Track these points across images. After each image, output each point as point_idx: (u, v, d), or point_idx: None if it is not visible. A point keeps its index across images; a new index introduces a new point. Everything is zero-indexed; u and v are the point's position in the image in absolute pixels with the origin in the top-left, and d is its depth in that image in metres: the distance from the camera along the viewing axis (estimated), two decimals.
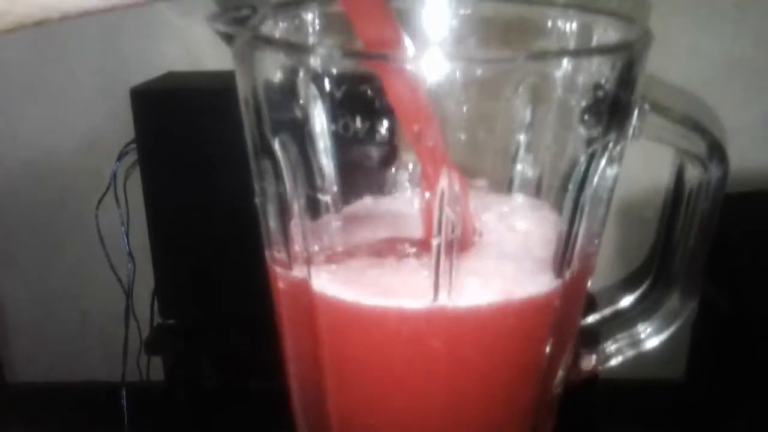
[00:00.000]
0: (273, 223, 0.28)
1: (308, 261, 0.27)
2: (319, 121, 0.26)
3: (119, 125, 1.17)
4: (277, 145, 0.26)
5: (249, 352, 1.19)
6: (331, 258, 0.27)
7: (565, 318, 0.29)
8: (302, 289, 0.27)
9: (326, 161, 0.27)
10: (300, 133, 0.27)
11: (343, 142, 0.26)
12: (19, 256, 1.40)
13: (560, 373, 0.32)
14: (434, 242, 0.25)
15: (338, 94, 0.26)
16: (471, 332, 0.26)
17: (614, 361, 0.34)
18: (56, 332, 1.45)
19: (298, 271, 0.27)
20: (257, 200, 0.29)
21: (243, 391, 1.35)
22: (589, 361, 0.34)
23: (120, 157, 1.17)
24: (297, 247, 0.27)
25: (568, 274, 0.27)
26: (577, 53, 0.25)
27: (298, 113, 0.26)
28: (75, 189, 1.30)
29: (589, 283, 0.31)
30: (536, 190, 0.30)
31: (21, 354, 1.48)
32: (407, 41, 0.25)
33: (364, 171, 0.29)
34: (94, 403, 1.43)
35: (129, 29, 1.22)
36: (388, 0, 0.26)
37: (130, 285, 1.25)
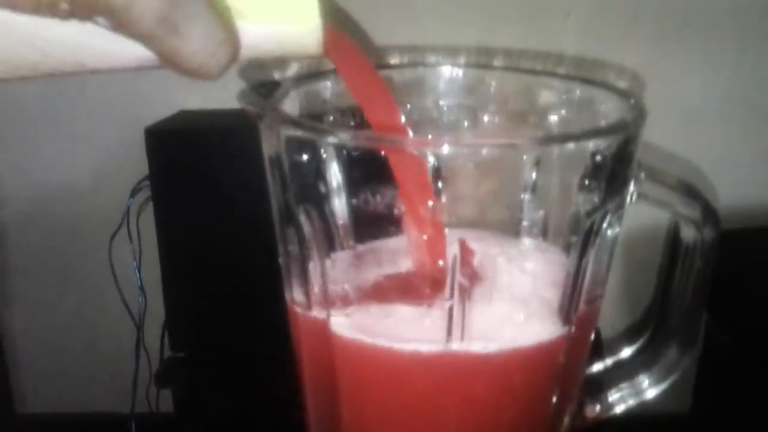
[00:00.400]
0: (293, 267, 0.30)
1: (326, 304, 0.29)
2: (338, 191, 0.29)
3: (133, 162, 1.20)
4: (301, 213, 0.28)
5: (259, 386, 1.20)
6: (349, 301, 0.29)
7: (571, 363, 0.31)
8: (321, 329, 0.29)
9: (343, 221, 0.30)
10: (321, 200, 0.29)
11: (359, 209, 0.28)
12: (30, 289, 1.42)
13: (566, 420, 0.34)
14: (446, 305, 0.27)
15: (355, 168, 0.28)
16: (481, 376, 0.28)
17: (617, 410, 0.35)
18: (65, 364, 1.46)
19: (317, 312, 0.29)
20: (281, 260, 0.31)
21: (252, 425, 1.36)
22: (593, 409, 0.35)
23: (133, 194, 1.20)
24: (316, 289, 0.29)
25: (574, 320, 0.29)
26: (577, 137, 0.27)
27: (321, 183, 0.29)
28: (89, 224, 1.33)
29: (592, 336, 0.33)
30: (543, 235, 0.32)
31: (30, 384, 1.50)
32: (411, 122, 0.28)
33: (379, 223, 0.31)
34: None
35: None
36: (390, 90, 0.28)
37: (141, 318, 1.27)
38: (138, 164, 1.15)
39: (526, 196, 0.31)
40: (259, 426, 1.36)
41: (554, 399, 0.31)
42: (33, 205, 1.36)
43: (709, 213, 0.32)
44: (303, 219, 0.28)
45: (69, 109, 1.30)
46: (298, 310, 0.31)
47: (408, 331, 0.28)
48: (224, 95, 1.30)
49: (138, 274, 1.24)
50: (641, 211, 0.33)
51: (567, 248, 0.29)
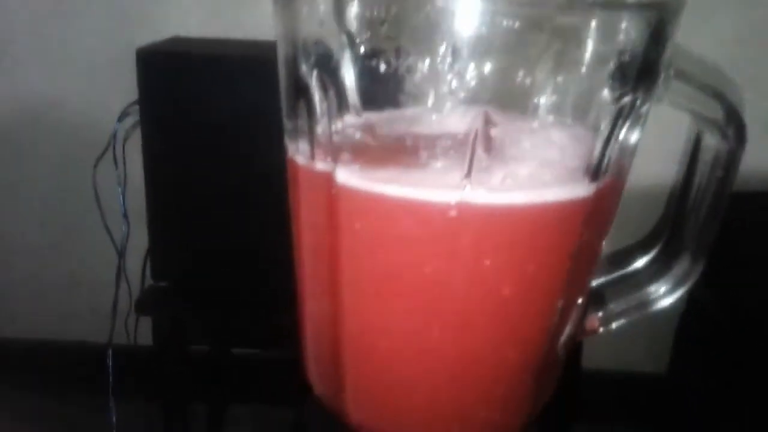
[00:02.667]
0: (301, 129, 0.29)
1: (333, 151, 0.27)
2: (355, 55, 0.27)
3: (122, 85, 1.17)
4: (313, 81, 0.27)
5: (240, 319, 1.20)
6: (358, 148, 0.27)
7: (590, 241, 0.29)
8: (325, 182, 0.27)
9: (359, 88, 0.28)
10: (336, 66, 0.27)
11: (377, 74, 0.26)
12: (11, 215, 1.39)
13: (568, 329, 0.33)
14: (467, 154, 0.25)
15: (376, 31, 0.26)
16: (498, 232, 0.26)
17: (618, 323, 0.34)
18: (44, 290, 1.45)
19: (321, 163, 0.28)
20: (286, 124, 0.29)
21: (231, 357, 1.36)
22: (594, 320, 0.35)
23: (121, 118, 1.17)
24: (322, 137, 0.27)
25: (601, 182, 0.27)
26: (609, 5, 0.25)
27: (332, 52, 0.27)
28: (74, 148, 1.30)
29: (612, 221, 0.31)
30: (570, 115, 0.30)
31: (7, 310, 1.48)
32: None
33: (396, 91, 0.29)
34: (79, 363, 1.44)
35: None
36: None
37: (123, 246, 1.25)
38: (127, 88, 1.11)
39: (552, 75, 0.29)
40: (237, 358, 1.36)
41: (566, 285, 0.29)
42: (16, 127, 1.32)
43: (735, 122, 0.30)
44: (315, 86, 0.27)
45: (58, 30, 1.26)
46: (301, 161, 0.29)
47: (422, 179, 0.26)
48: (219, 24, 1.27)
49: (122, 201, 1.22)
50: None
51: (593, 129, 0.27)
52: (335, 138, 0.27)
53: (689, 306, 1.24)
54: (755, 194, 1.12)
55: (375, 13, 0.27)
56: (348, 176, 0.27)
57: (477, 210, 0.26)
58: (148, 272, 1.18)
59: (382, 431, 0.33)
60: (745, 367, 1.10)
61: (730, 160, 0.31)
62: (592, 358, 1.22)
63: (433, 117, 0.28)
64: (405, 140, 0.29)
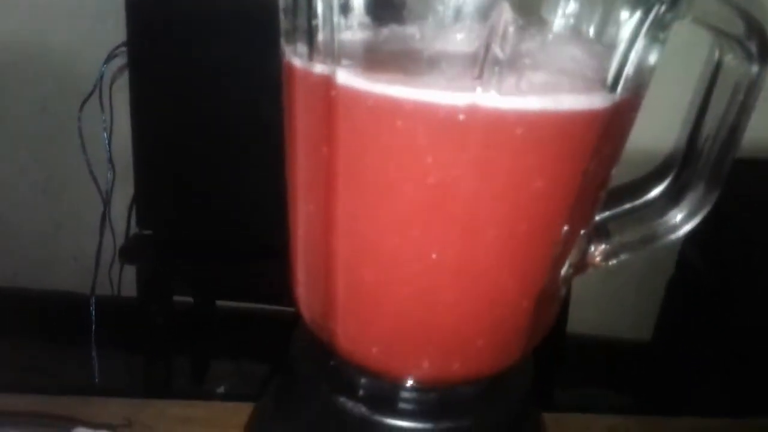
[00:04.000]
0: (299, 28, 0.26)
1: (335, 52, 0.25)
2: None
3: (110, 26, 1.13)
4: None
5: (225, 269, 1.18)
6: (361, 50, 0.25)
7: (603, 156, 0.27)
8: (323, 85, 0.25)
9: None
10: None
11: None
12: None
13: (570, 259, 0.31)
14: (480, 57, 0.23)
15: None
16: (509, 141, 0.24)
17: (623, 256, 0.33)
18: (27, 237, 1.42)
19: (320, 66, 0.26)
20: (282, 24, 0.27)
21: (213, 310, 1.35)
22: (596, 254, 0.33)
23: (108, 60, 1.13)
24: (323, 36, 0.25)
25: (619, 95, 0.25)
26: None
27: None
28: (58, 90, 1.26)
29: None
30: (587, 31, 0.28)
31: None
32: None
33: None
34: (61, 312, 1.42)
35: None
36: None
37: (108, 193, 1.22)
38: (115, 28, 1.08)
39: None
40: (222, 311, 1.35)
41: (572, 208, 0.27)
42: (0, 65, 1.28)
43: (759, 39, 0.29)
44: None
45: None
46: (298, 64, 0.27)
47: (430, 82, 0.24)
48: None
49: (108, 147, 1.19)
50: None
51: (612, 46, 0.25)
52: (337, 36, 0.25)
53: (676, 274, 1.24)
54: (748, 160, 1.11)
55: None
56: (349, 77, 0.25)
57: (488, 114, 0.24)
58: (133, 220, 1.16)
59: (373, 362, 0.31)
60: (730, 334, 1.11)
61: (753, 83, 0.29)
62: (577, 324, 1.22)
63: (444, 30, 0.27)
64: (413, 46, 0.27)
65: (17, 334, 1.42)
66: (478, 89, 0.24)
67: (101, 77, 1.15)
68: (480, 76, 0.23)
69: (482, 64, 0.23)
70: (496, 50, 0.23)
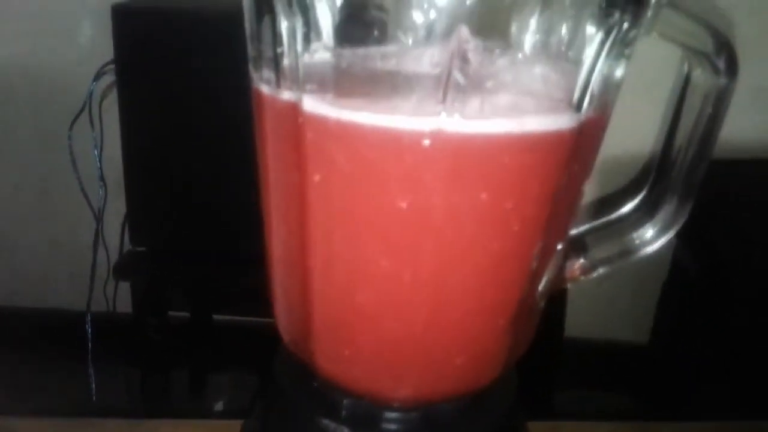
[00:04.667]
0: (265, 55, 0.27)
1: (300, 78, 0.25)
2: None
3: (98, 44, 1.13)
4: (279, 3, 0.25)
5: (219, 283, 1.18)
6: (327, 75, 0.25)
7: (573, 175, 0.27)
8: (291, 112, 0.25)
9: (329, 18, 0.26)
10: None
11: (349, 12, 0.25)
12: None
13: (547, 276, 0.31)
14: (442, 80, 0.23)
15: None
16: (475, 165, 0.24)
17: (601, 271, 0.33)
18: (22, 256, 1.42)
19: (287, 92, 0.26)
20: (250, 50, 0.27)
21: (209, 324, 1.35)
22: (575, 269, 0.33)
23: (97, 77, 1.14)
24: (288, 62, 0.25)
25: (584, 114, 0.25)
26: None
27: None
28: (49, 109, 1.26)
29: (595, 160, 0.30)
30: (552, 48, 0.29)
31: None
32: None
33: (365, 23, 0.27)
34: (58, 330, 1.42)
35: None
36: None
37: (100, 210, 1.22)
38: (103, 46, 1.08)
39: (536, 4, 0.28)
40: (217, 324, 1.35)
41: (545, 227, 0.27)
42: None
43: (727, 54, 0.29)
44: (280, 8, 0.25)
45: None
46: (265, 90, 0.27)
47: (395, 107, 0.24)
48: None
49: (99, 164, 1.19)
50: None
51: (577, 63, 0.25)
52: (302, 63, 0.26)
53: (672, 275, 1.24)
54: (738, 162, 1.11)
55: None
56: (316, 104, 0.25)
57: (453, 139, 0.24)
58: (126, 237, 1.16)
59: (353, 382, 0.31)
60: (727, 336, 1.11)
61: (721, 97, 0.29)
62: (575, 327, 1.22)
63: (409, 51, 0.27)
64: (378, 69, 0.27)
65: (14, 352, 1.41)
66: (442, 114, 0.24)
67: (90, 95, 1.15)
68: (443, 101, 0.24)
69: (445, 89, 0.23)
70: (457, 75, 0.23)
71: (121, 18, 1.02)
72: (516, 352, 0.32)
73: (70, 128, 1.18)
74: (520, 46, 0.26)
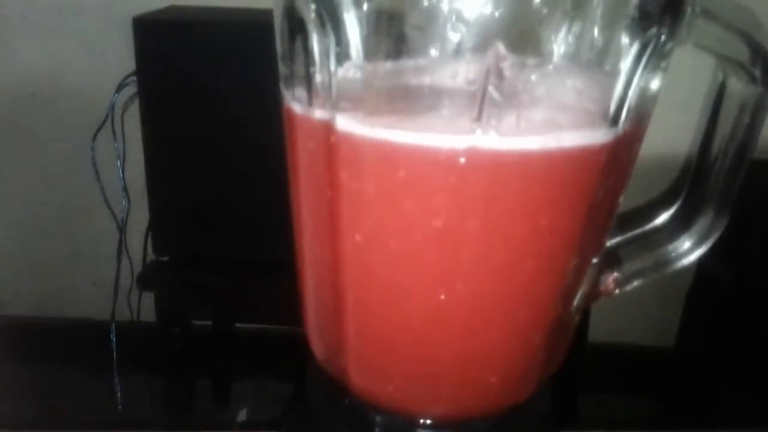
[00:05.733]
0: (297, 74, 0.27)
1: (333, 97, 0.25)
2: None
3: (119, 56, 1.15)
4: (311, 15, 0.25)
5: (241, 293, 1.18)
6: (360, 93, 0.25)
7: (609, 188, 0.27)
8: (324, 131, 0.25)
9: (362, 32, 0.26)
10: (335, 5, 0.25)
11: (379, 15, 0.24)
12: (10, 187, 1.38)
13: (582, 290, 0.31)
14: (477, 97, 0.23)
15: None
16: (511, 181, 0.24)
17: (635, 284, 0.33)
18: (47, 266, 1.43)
19: (319, 111, 0.26)
20: (281, 68, 0.27)
21: (233, 332, 1.35)
22: (609, 282, 0.33)
23: (119, 89, 1.15)
24: (321, 81, 0.25)
25: (621, 127, 0.25)
26: None
27: None
28: (71, 121, 1.28)
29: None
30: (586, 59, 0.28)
31: (9, 286, 1.47)
32: None
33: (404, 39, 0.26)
34: (83, 340, 1.43)
35: None
36: None
37: (123, 220, 1.23)
38: (125, 58, 1.09)
39: (569, 15, 0.27)
40: (241, 332, 1.35)
41: (581, 241, 0.27)
42: (12, 102, 1.30)
43: (763, 63, 0.28)
44: (312, 21, 0.25)
45: (52, 1, 1.23)
46: (298, 110, 0.27)
47: (429, 125, 0.24)
48: None
49: (122, 175, 1.20)
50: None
51: (612, 74, 0.25)
52: (335, 81, 0.25)
53: (697, 279, 1.22)
54: (764, 162, 1.09)
55: None
56: (349, 123, 0.25)
57: (488, 156, 0.24)
58: (149, 247, 1.17)
59: (387, 399, 0.31)
60: (753, 340, 1.09)
61: (757, 106, 0.29)
62: (599, 332, 1.21)
63: (443, 63, 0.26)
64: (411, 85, 0.27)
65: (40, 363, 1.43)
66: (478, 131, 0.23)
67: (113, 106, 1.16)
68: (479, 118, 0.23)
69: (480, 106, 0.23)
70: (493, 92, 0.23)
71: (142, 30, 1.03)
72: (550, 368, 0.31)
73: (93, 140, 1.19)
74: (553, 58, 0.26)
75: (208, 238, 1.12)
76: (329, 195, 0.27)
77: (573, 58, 0.26)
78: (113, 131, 1.18)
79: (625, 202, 0.34)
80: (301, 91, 0.27)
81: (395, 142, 0.24)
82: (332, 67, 0.25)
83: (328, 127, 0.25)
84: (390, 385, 0.30)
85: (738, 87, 0.29)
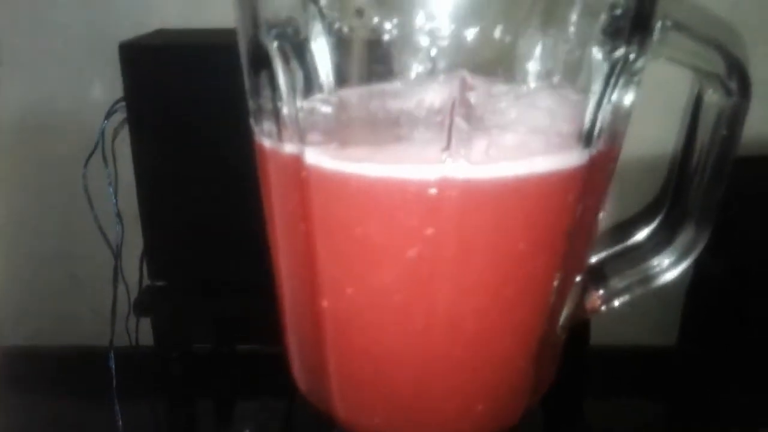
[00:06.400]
0: (265, 109, 0.26)
1: (301, 131, 0.25)
2: (322, 38, 0.24)
3: (107, 82, 1.14)
4: (275, 54, 0.24)
5: (239, 314, 1.18)
6: (328, 127, 0.25)
7: (587, 209, 0.27)
8: (294, 166, 0.25)
9: (326, 61, 0.25)
10: (301, 48, 0.25)
11: (346, 43, 0.24)
12: (5, 216, 1.37)
13: (567, 310, 0.30)
14: (445, 126, 0.23)
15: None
16: (485, 211, 0.23)
17: (621, 299, 0.32)
18: (45, 294, 1.43)
19: (289, 145, 0.25)
20: (250, 104, 0.27)
21: (232, 355, 1.35)
22: (595, 299, 0.32)
23: (108, 115, 1.14)
24: (288, 115, 0.25)
25: (595, 149, 0.25)
26: None
27: (299, 27, 0.24)
28: (62, 148, 1.27)
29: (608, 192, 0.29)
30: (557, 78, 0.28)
31: (9, 317, 1.46)
32: None
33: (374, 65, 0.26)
34: (82, 367, 1.42)
35: None
36: None
37: (118, 246, 1.23)
38: (114, 84, 1.09)
39: (539, 35, 0.27)
40: (239, 355, 1.34)
41: (561, 264, 0.27)
42: (4, 130, 1.30)
43: (739, 75, 0.28)
44: (276, 58, 0.24)
45: (40, 27, 1.23)
46: (267, 144, 0.26)
47: (398, 157, 0.24)
48: (204, 14, 1.24)
49: (114, 201, 1.20)
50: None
51: (584, 92, 0.25)
52: (302, 116, 0.25)
53: (697, 278, 1.22)
54: (759, 159, 1.09)
55: None
56: (318, 156, 0.25)
57: (460, 186, 0.23)
58: (145, 272, 1.16)
59: (374, 430, 0.30)
60: (755, 336, 1.08)
61: (735, 118, 0.28)
62: (601, 334, 1.20)
63: (411, 90, 0.26)
64: (378, 116, 0.26)
65: (40, 391, 1.42)
66: (448, 160, 0.23)
67: (102, 133, 1.16)
68: (447, 147, 0.23)
69: (448, 135, 0.23)
70: (460, 122, 0.22)
71: (128, 56, 1.03)
72: (539, 390, 0.31)
73: (85, 166, 1.19)
74: (524, 80, 0.26)
75: (203, 262, 1.11)
76: (303, 228, 0.26)
77: (544, 78, 0.25)
78: (104, 157, 1.17)
79: (624, 211, 0.33)
80: (270, 126, 0.26)
81: (365, 176, 0.24)
82: (299, 101, 0.25)
83: (298, 161, 0.25)
84: (376, 417, 0.30)
85: (714, 98, 0.29)
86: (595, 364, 1.26)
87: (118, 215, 1.21)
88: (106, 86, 1.16)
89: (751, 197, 1.05)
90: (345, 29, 0.24)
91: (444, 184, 0.23)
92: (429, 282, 0.25)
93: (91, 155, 1.18)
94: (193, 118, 1.05)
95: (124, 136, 1.11)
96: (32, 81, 1.26)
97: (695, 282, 1.22)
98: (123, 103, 1.10)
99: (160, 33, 1.15)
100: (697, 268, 1.18)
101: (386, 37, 0.26)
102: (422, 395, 0.28)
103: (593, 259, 0.33)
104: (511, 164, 0.23)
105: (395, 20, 0.25)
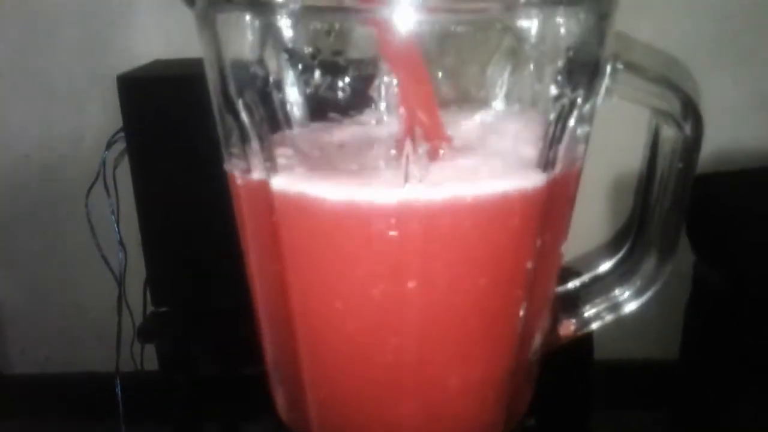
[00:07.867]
0: (234, 143, 0.28)
1: (267, 159, 0.26)
2: (289, 81, 0.26)
3: (108, 114, 1.17)
4: (241, 107, 0.26)
5: (243, 339, 1.19)
6: (293, 159, 0.26)
7: (548, 237, 0.28)
8: (262, 192, 0.26)
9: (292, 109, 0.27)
10: (266, 94, 0.26)
11: (313, 100, 0.26)
12: (10, 249, 1.39)
13: (537, 339, 0.32)
14: (405, 150, 0.24)
15: (309, 54, 0.26)
16: (446, 230, 0.24)
17: (594, 326, 0.33)
18: (50, 323, 1.45)
19: (257, 173, 0.26)
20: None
21: (237, 378, 1.35)
22: (568, 326, 0.34)
23: (108, 146, 1.17)
24: (255, 145, 0.26)
25: (553, 172, 0.26)
26: (545, 3, 0.24)
27: (264, 73, 0.26)
28: (64, 179, 1.29)
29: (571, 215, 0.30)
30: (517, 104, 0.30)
31: (16, 346, 1.48)
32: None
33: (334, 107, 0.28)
34: (89, 393, 1.43)
35: (115, 18, 1.22)
36: None
37: (121, 274, 1.25)
38: (113, 115, 1.11)
39: (501, 76, 0.29)
40: (244, 379, 1.35)
41: (525, 293, 0.28)
42: (6, 162, 1.32)
43: (690, 109, 0.29)
44: (242, 110, 0.26)
45: (40, 61, 1.26)
46: (237, 173, 0.28)
47: (361, 181, 0.25)
48: (199, 44, 1.26)
49: (117, 229, 1.22)
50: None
51: (543, 115, 0.26)
52: (267, 147, 0.27)
53: (696, 289, 1.22)
54: (754, 171, 1.10)
55: (319, 26, 0.27)
56: (284, 184, 0.26)
57: (421, 209, 0.24)
58: (148, 298, 1.18)
59: None
60: (756, 347, 1.09)
61: (689, 151, 0.30)
62: (603, 349, 1.20)
63: (375, 123, 0.28)
64: (342, 143, 0.28)
65: (48, 419, 1.43)
66: (407, 185, 0.24)
67: (103, 163, 1.18)
68: (406, 173, 0.24)
69: (406, 160, 0.24)
70: (418, 147, 0.24)
71: (126, 87, 1.05)
72: (513, 418, 0.32)
73: (87, 196, 1.21)
74: (486, 104, 0.27)
75: (205, 288, 1.12)
76: (275, 256, 0.28)
77: (507, 105, 0.27)
78: (106, 187, 1.19)
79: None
80: (238, 159, 0.28)
81: (328, 200, 0.25)
82: (264, 137, 0.26)
83: (265, 189, 0.26)
84: None
85: (670, 133, 0.30)
86: (599, 378, 1.27)
87: (121, 243, 1.23)
88: (106, 117, 1.18)
89: (751, 209, 1.06)
90: (315, 70, 0.25)
91: (404, 209, 0.24)
92: (395, 313, 0.26)
93: (92, 185, 1.20)
94: (191, 146, 1.07)
95: (125, 165, 1.13)
96: (35, 113, 1.28)
97: (695, 295, 1.22)
98: (123, 134, 1.12)
99: (156, 64, 1.17)
100: (697, 281, 1.18)
101: (353, 74, 0.27)
102: (394, 427, 0.29)
103: (566, 287, 0.34)
104: (470, 186, 0.25)
105: (362, 60, 0.27)
